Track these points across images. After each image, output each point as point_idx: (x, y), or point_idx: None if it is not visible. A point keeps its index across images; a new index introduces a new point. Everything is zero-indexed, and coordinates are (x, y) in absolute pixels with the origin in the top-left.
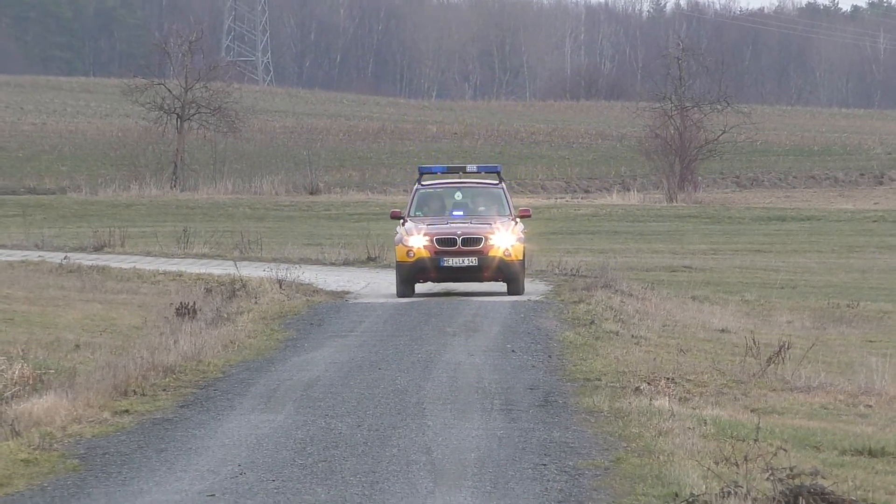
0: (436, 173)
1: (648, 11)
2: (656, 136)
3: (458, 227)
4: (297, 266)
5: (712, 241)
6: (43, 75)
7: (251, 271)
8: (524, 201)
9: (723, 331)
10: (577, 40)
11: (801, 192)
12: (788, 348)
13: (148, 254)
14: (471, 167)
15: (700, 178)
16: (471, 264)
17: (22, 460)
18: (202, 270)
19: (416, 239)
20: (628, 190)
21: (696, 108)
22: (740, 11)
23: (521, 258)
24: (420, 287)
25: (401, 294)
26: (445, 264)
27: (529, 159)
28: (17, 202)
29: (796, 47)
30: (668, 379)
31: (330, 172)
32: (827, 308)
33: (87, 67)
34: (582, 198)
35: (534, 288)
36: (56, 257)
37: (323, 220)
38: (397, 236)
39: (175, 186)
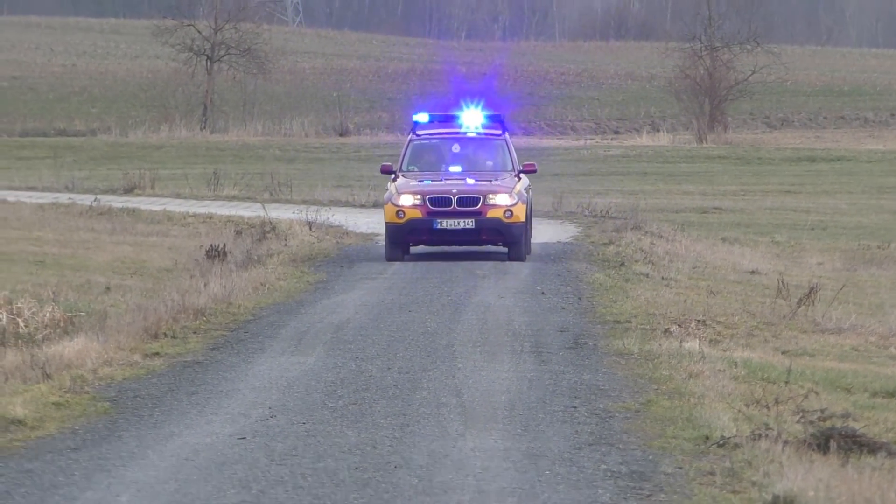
0: (432, 123)
1: None
2: (686, 76)
3: (453, 184)
4: (326, 208)
5: (742, 182)
6: (73, 16)
7: (281, 213)
8: (554, 143)
9: (753, 272)
10: None
11: (830, 133)
12: (819, 290)
13: (178, 196)
14: (468, 117)
15: (730, 118)
16: (467, 226)
17: (53, 403)
18: (232, 213)
19: (407, 198)
20: (658, 131)
21: (725, 49)
22: None
23: (523, 220)
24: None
25: (390, 258)
26: (439, 226)
27: (559, 100)
28: (48, 144)
29: None
30: (698, 321)
31: (360, 114)
32: (857, 249)
33: (117, 8)
34: (612, 139)
35: (563, 230)
36: (86, 199)
37: (353, 161)
38: (387, 194)
39: (205, 128)
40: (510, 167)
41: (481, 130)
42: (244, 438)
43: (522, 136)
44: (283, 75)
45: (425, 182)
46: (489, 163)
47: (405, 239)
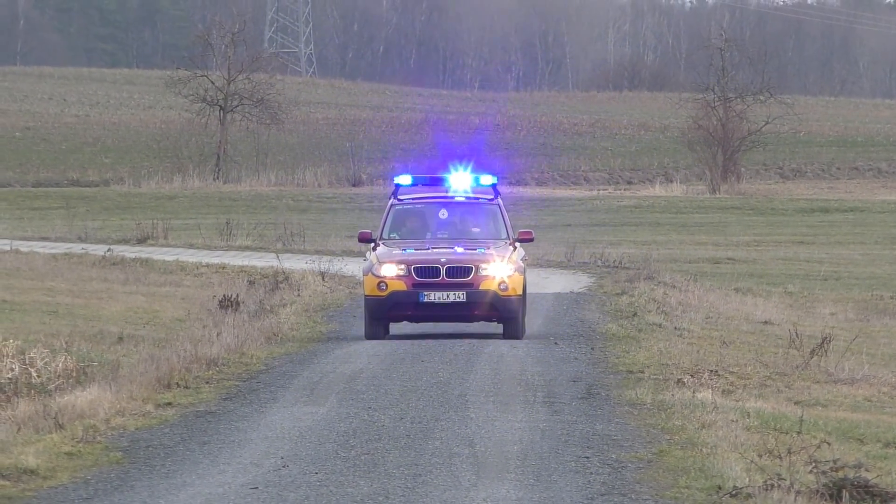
0: (416, 185)
1: (691, 2)
2: (699, 127)
3: (442, 253)
4: (339, 258)
5: (755, 233)
6: (86, 67)
7: (294, 263)
8: (567, 193)
9: (766, 323)
10: (620, 31)
11: (844, 184)
12: (832, 340)
13: (191, 246)
14: (456, 180)
15: (743, 169)
16: (458, 300)
17: (66, 453)
18: (245, 263)
19: (390, 268)
20: (671, 181)
21: (739, 99)
22: (783, 2)
23: (520, 293)
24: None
25: (370, 335)
26: (426, 300)
27: (572, 150)
28: (61, 194)
29: (839, 38)
30: (711, 371)
31: (372, 164)
32: (870, 300)
33: (131, 59)
34: (625, 189)
35: (576, 280)
36: (99, 250)
37: (366, 211)
38: (366, 264)
39: (218, 178)
40: (504, 235)
41: (471, 194)
42: (256, 488)
43: (535, 187)
44: (297, 125)
45: (409, 251)
46: (480, 230)
47: (387, 314)
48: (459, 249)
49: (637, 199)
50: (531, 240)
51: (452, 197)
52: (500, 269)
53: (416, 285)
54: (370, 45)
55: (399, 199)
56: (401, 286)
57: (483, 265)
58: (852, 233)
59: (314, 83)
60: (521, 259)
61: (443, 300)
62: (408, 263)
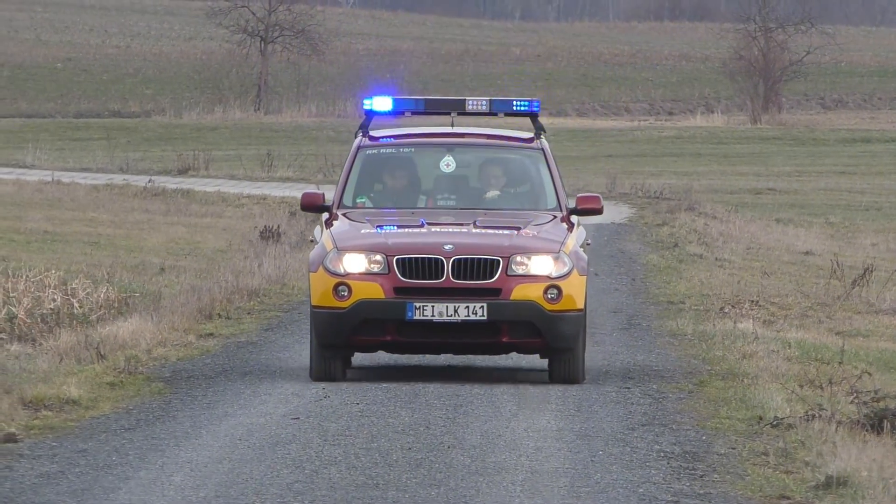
0: (401, 114)
1: None
2: (740, 57)
3: (446, 234)
4: None
5: (797, 163)
6: None
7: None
8: (608, 124)
9: (807, 253)
10: None
11: (885, 114)
12: (873, 271)
13: (232, 177)
14: (474, 103)
15: (784, 99)
16: (472, 317)
17: (108, 383)
18: (286, 194)
19: (356, 259)
20: (712, 112)
21: (780, 29)
22: None
23: (580, 307)
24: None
25: (319, 374)
26: (418, 316)
27: (613, 81)
28: (102, 125)
29: None
30: (752, 302)
31: (413, 96)
32: None
33: None
34: (665, 120)
35: (617, 211)
36: (141, 181)
37: None
38: (315, 250)
39: (259, 109)
40: (553, 202)
41: (496, 131)
42: (298, 419)
43: (576, 118)
44: (337, 56)
45: (389, 229)
46: (512, 193)
47: (349, 339)
48: (476, 230)
49: (678, 129)
50: (599, 211)
51: (464, 135)
52: (546, 265)
53: (400, 290)
54: None
55: (372, 138)
56: (374, 291)
57: (518, 257)
58: (894, 163)
59: (355, 14)
60: (583, 244)
61: (447, 317)
62: (387, 252)
